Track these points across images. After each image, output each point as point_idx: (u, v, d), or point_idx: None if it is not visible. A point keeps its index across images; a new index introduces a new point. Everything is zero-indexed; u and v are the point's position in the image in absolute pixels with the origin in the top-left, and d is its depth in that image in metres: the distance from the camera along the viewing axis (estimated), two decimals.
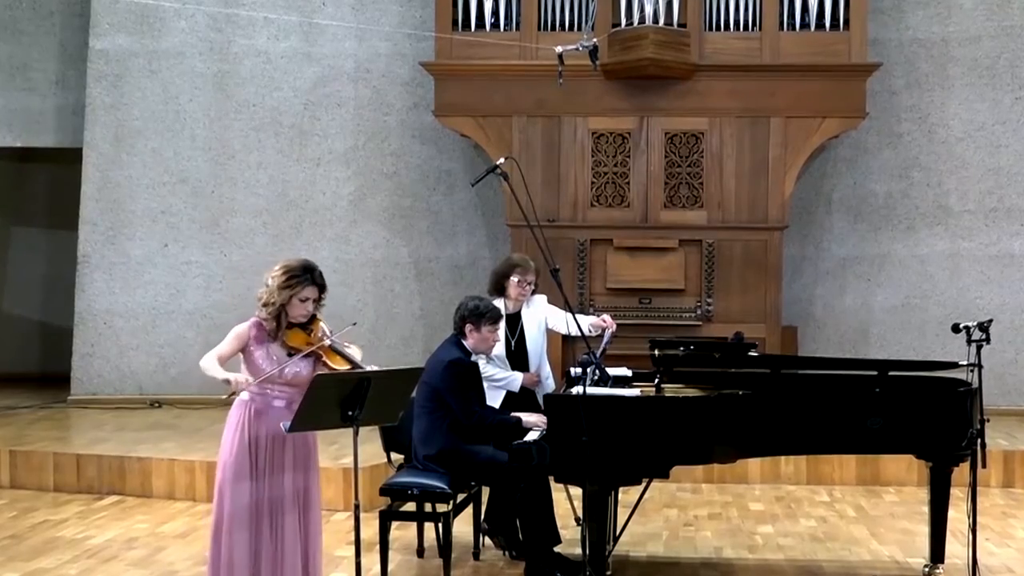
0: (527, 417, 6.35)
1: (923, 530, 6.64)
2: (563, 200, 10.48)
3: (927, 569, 6.44)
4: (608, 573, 6.09)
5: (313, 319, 5.17)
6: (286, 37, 11.56)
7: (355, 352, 5.15)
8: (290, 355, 5.08)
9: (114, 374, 11.58)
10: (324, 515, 7.74)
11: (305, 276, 5.08)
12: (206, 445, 8.87)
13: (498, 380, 6.84)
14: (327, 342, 5.07)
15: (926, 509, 6.43)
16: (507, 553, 6.89)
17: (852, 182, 11.36)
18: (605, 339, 6.83)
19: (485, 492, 6.91)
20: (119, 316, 11.59)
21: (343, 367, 5.06)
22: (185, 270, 11.57)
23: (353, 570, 5.05)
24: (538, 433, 6.23)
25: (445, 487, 6.20)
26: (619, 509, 6.74)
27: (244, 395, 5.09)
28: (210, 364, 4.98)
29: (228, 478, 5.06)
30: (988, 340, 6.00)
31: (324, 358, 5.08)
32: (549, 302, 7.16)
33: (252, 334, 5.09)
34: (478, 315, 6.36)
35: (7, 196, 13.68)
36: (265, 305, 5.07)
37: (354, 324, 5.22)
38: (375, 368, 5.05)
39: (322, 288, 5.15)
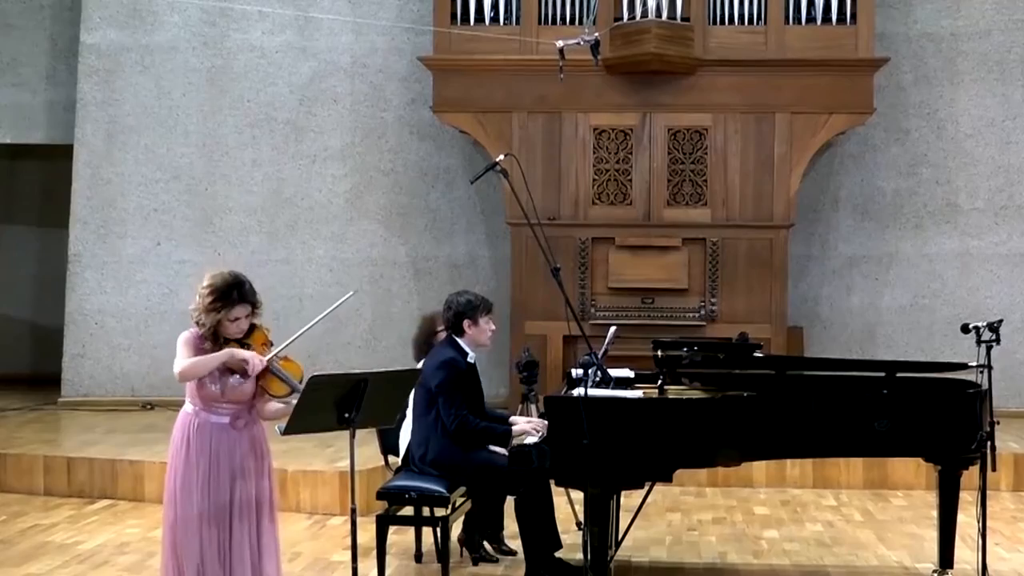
0: (518, 427, 6.27)
1: (931, 535, 6.60)
2: (564, 198, 10.44)
3: (936, 574, 6.34)
4: None
5: (253, 330, 4.92)
6: (281, 31, 11.52)
7: (294, 370, 4.89)
8: (233, 372, 4.86)
9: (106, 375, 11.54)
10: (320, 519, 7.85)
11: (231, 296, 4.79)
12: None
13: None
14: (267, 361, 4.81)
15: (935, 513, 6.36)
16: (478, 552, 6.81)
17: (859, 179, 11.32)
18: (607, 340, 6.76)
19: None
20: (111, 316, 11.56)
21: (282, 392, 4.84)
22: (178, 269, 11.49)
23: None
24: (537, 437, 6.14)
25: (443, 491, 6.17)
26: (621, 513, 6.65)
27: (188, 408, 4.94)
28: (195, 359, 4.78)
29: (176, 490, 4.91)
30: (998, 341, 5.97)
31: (265, 386, 4.85)
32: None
33: (194, 346, 4.87)
34: (473, 308, 6.36)
35: None
36: (198, 323, 4.86)
37: (354, 292, 5.16)
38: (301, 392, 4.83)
39: (254, 304, 4.90)
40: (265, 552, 5.03)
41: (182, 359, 4.79)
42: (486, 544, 6.87)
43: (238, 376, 4.83)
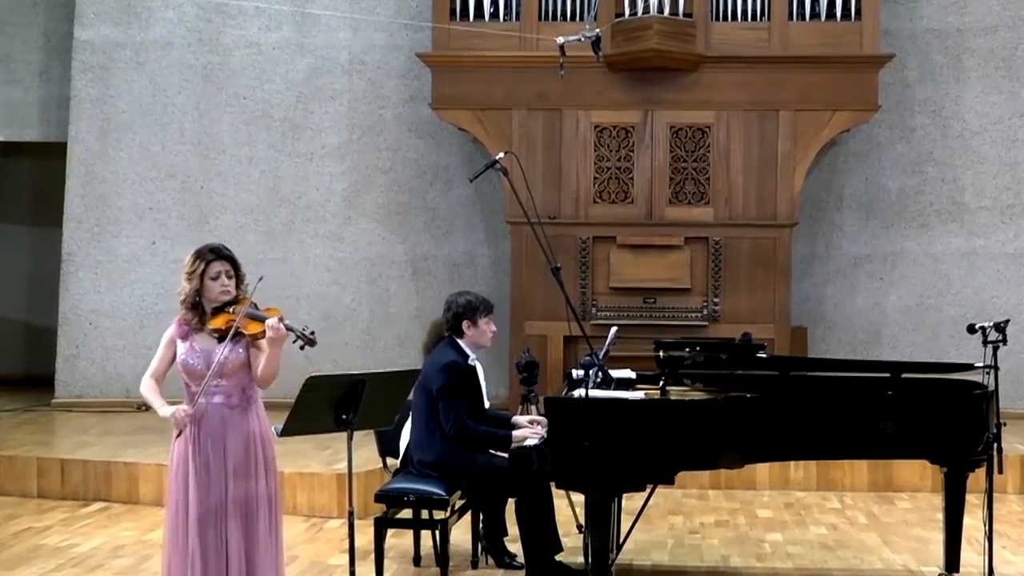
0: (519, 432, 6.23)
1: (937, 537, 6.53)
2: (565, 196, 10.39)
3: None
4: None
5: (237, 300, 4.96)
6: (278, 27, 11.46)
7: (273, 314, 4.89)
8: (220, 340, 4.88)
9: (100, 376, 11.49)
10: (317, 522, 7.81)
11: (210, 254, 4.95)
12: None
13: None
14: (242, 311, 4.86)
15: (940, 516, 6.33)
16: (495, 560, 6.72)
17: (864, 178, 11.26)
18: (608, 340, 6.72)
19: None
20: (105, 316, 11.51)
21: (258, 330, 4.83)
22: (173, 268, 11.26)
23: None
24: (538, 438, 6.10)
25: (443, 494, 6.17)
26: (622, 516, 6.63)
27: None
28: (149, 395, 4.95)
29: (175, 486, 4.94)
30: (1004, 341, 5.96)
31: (242, 329, 4.86)
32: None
33: (176, 333, 4.99)
34: (473, 308, 6.34)
35: None
36: (183, 302, 4.96)
37: (260, 279, 4.92)
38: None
39: (233, 262, 4.99)
40: (259, 552, 4.97)
41: (149, 371, 4.98)
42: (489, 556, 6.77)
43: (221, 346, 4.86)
